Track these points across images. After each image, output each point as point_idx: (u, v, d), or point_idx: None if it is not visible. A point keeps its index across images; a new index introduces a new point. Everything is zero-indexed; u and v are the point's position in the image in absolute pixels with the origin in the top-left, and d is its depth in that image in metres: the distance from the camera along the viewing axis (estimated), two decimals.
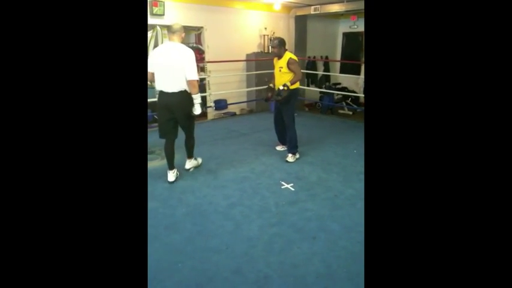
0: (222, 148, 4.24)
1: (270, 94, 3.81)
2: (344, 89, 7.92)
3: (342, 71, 8.44)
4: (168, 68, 2.84)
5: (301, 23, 7.52)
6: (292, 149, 3.75)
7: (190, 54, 2.87)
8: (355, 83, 8.40)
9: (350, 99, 7.82)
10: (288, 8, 7.12)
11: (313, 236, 2.28)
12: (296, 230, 2.36)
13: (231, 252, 2.11)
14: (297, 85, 3.64)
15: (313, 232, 2.33)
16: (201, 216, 2.56)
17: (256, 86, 6.71)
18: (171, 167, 3.16)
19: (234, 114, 6.62)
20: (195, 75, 2.87)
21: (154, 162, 3.69)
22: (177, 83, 2.86)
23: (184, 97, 2.92)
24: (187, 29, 8.51)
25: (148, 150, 4.01)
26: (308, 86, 7.92)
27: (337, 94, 7.52)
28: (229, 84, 6.54)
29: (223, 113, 6.52)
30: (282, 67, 3.56)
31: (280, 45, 3.55)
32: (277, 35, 7.14)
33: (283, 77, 3.57)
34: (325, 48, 8.31)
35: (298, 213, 2.58)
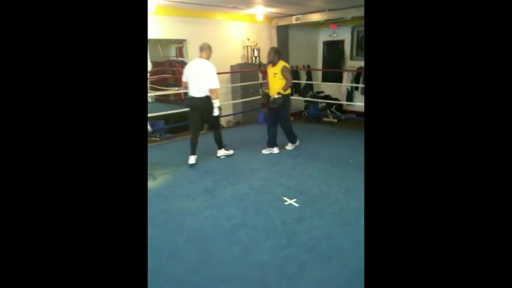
0: (216, 163, 4.08)
1: (265, 100, 4.52)
2: (327, 97, 7.97)
3: (324, 79, 8.50)
4: (196, 78, 3.77)
5: (283, 33, 7.52)
6: (291, 139, 4.41)
7: (212, 68, 3.75)
8: (338, 90, 8.48)
9: (334, 107, 7.88)
10: (269, 18, 7.12)
11: (326, 256, 2.16)
12: (307, 251, 2.24)
13: (243, 280, 1.96)
14: (288, 91, 4.16)
15: (324, 252, 2.21)
16: (204, 241, 2.39)
17: (242, 97, 6.61)
18: (193, 153, 3.99)
19: (221, 127, 6.47)
20: (215, 85, 3.76)
21: (149, 183, 3.48)
22: (201, 90, 3.79)
23: (207, 100, 3.81)
24: (167, 42, 8.39)
25: None
26: (292, 95, 7.90)
27: (321, 102, 7.55)
28: None
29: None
30: (276, 73, 4.07)
31: (274, 53, 4.08)
32: (260, 45, 7.12)
33: (277, 82, 4.08)
34: (306, 57, 8.35)
35: (306, 232, 2.46)
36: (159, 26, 5.48)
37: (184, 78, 3.91)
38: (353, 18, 6.62)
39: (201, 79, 3.75)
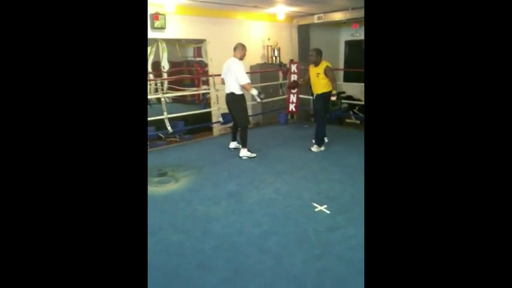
0: (239, 166, 3.96)
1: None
2: (349, 97, 7.75)
3: (346, 79, 8.27)
4: (226, 76, 4.07)
5: (304, 33, 7.36)
6: (318, 141, 4.44)
7: (237, 66, 3.92)
8: (360, 91, 8.24)
9: (357, 107, 7.66)
10: (290, 17, 6.96)
11: None
12: (345, 263, 2.08)
13: None
14: (329, 88, 4.25)
15: (363, 264, 2.05)
16: (233, 249, 2.26)
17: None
18: (233, 140, 4.55)
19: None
20: (242, 80, 3.94)
21: (169, 186, 3.39)
22: (230, 87, 4.05)
23: (233, 97, 4.07)
24: (186, 43, 8.34)
25: (159, 171, 3.73)
26: (312, 95, 7.73)
27: (344, 103, 7.33)
28: None
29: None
30: (319, 73, 4.23)
31: (316, 54, 4.25)
32: (280, 45, 6.98)
33: (320, 82, 4.26)
34: (328, 57, 8.09)
35: (341, 242, 2.30)
36: (179, 25, 5.42)
37: (222, 75, 4.22)
38: None
39: (229, 77, 4.00)
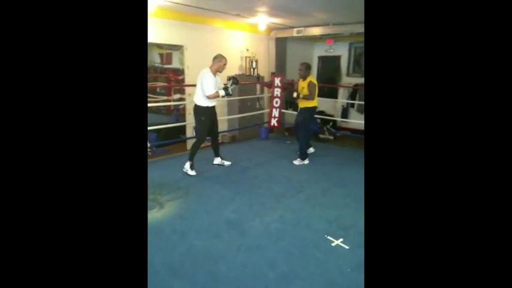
0: (229, 186, 3.56)
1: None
2: (322, 112, 7.71)
3: (318, 94, 8.23)
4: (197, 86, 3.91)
5: (281, 46, 7.20)
6: (301, 156, 4.45)
7: (203, 77, 3.77)
8: (333, 107, 8.26)
9: (331, 123, 7.63)
10: (269, 29, 6.76)
11: None
12: None
13: None
14: (314, 103, 4.43)
15: None
16: None
17: (240, 112, 6.13)
18: (216, 155, 4.34)
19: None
20: (208, 92, 3.77)
21: (154, 213, 2.89)
22: (195, 97, 3.92)
23: (195, 108, 3.93)
24: (150, 46, 7.74)
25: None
26: (286, 109, 7.57)
27: (317, 118, 7.26)
28: None
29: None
30: (304, 87, 4.34)
31: (306, 68, 4.38)
32: (258, 57, 6.74)
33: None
34: None
35: None
36: (157, 29, 4.92)
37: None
38: (351, 34, 6.45)
39: (197, 87, 3.87)
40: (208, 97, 3.80)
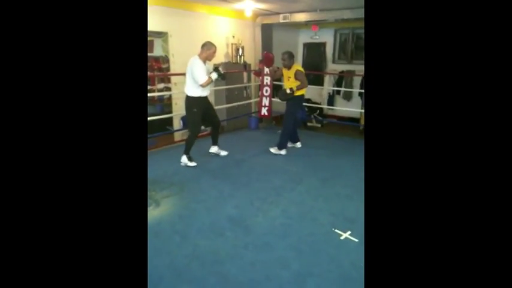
0: (226, 180, 3.44)
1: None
2: (308, 100, 7.64)
3: None
4: (186, 76, 3.69)
5: (267, 32, 7.01)
6: (280, 145, 4.31)
7: (194, 65, 3.55)
8: (319, 94, 8.20)
9: (318, 111, 7.59)
10: (255, 15, 6.55)
11: None
12: None
13: None
14: (302, 92, 4.27)
15: None
16: None
17: (227, 102, 5.95)
18: (214, 144, 4.22)
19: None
20: (201, 80, 3.55)
21: (151, 212, 2.73)
22: (186, 88, 3.69)
23: (187, 100, 3.72)
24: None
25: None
26: (273, 97, 7.45)
27: (305, 106, 7.19)
28: None
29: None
30: (290, 77, 4.18)
31: (289, 57, 4.19)
32: (244, 44, 6.53)
33: (291, 85, 4.17)
34: None
35: None
36: None
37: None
38: (336, 20, 6.35)
39: (187, 77, 3.65)
40: (202, 85, 3.57)
